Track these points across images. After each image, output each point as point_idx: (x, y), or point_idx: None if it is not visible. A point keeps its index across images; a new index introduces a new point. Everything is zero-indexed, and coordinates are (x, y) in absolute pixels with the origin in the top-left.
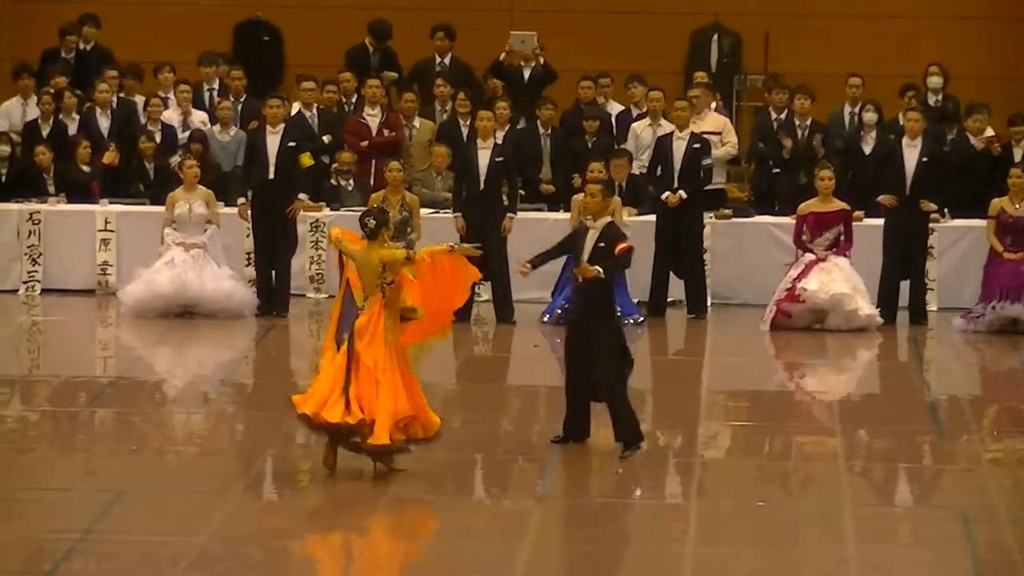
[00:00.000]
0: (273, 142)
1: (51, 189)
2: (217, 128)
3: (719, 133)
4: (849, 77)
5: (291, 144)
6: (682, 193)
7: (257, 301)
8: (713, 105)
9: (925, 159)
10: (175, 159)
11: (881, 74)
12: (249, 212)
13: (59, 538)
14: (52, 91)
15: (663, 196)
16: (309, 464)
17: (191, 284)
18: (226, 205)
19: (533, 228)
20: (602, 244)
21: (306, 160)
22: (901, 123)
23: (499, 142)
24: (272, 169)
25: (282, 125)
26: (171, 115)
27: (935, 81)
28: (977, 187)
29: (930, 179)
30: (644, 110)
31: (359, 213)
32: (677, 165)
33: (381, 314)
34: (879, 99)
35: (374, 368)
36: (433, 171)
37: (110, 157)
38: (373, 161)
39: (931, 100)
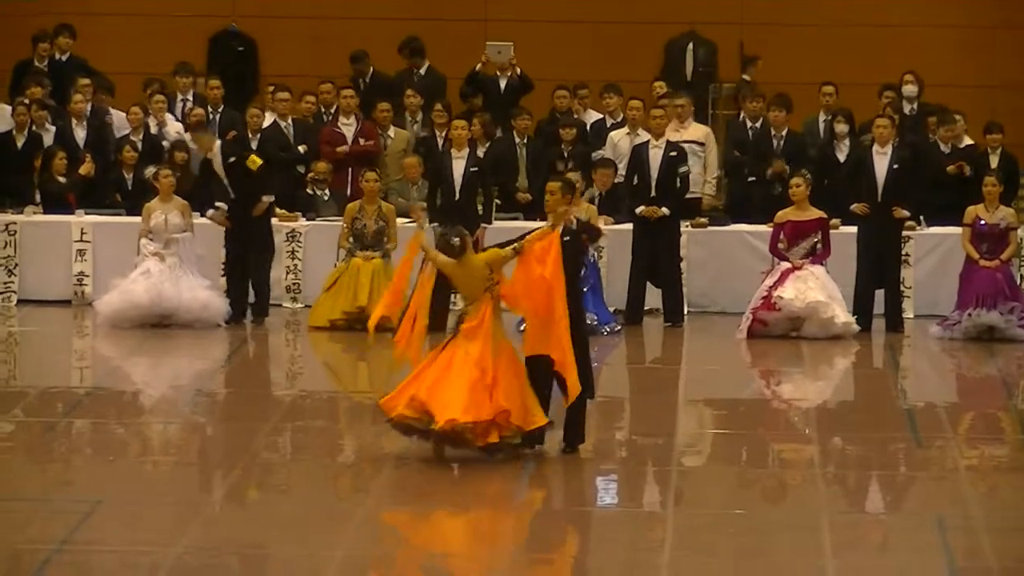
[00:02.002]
0: (217, 166)
1: (37, 198)
2: (189, 136)
3: (703, 144)
4: (822, 86)
5: (231, 160)
6: (665, 210)
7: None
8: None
9: (896, 166)
10: (150, 170)
11: (857, 82)
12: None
13: (36, 548)
14: (27, 102)
15: (638, 210)
16: (286, 474)
17: (167, 294)
18: (201, 215)
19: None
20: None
21: (252, 163)
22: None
23: (480, 155)
24: (229, 188)
25: (217, 144)
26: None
27: (910, 89)
28: (949, 196)
29: (901, 186)
30: (620, 119)
31: (336, 219)
32: (654, 174)
33: (489, 317)
34: (855, 107)
35: (488, 369)
36: (408, 181)
37: (86, 168)
38: (349, 171)
39: (906, 108)
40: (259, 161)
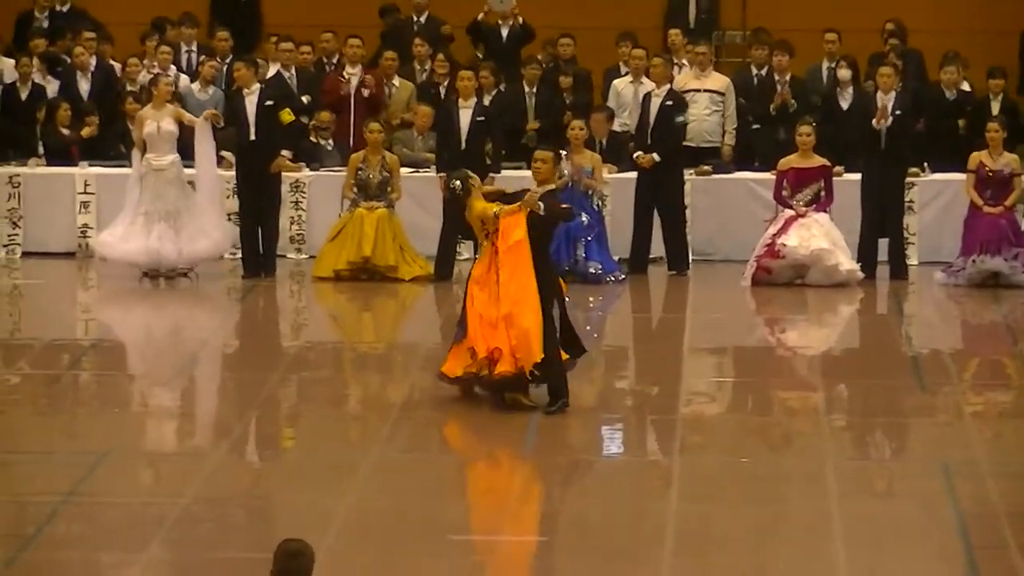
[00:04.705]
0: (251, 103)
1: (40, 150)
2: (196, 86)
3: (723, 94)
4: (825, 32)
5: (268, 103)
6: (655, 156)
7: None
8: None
9: (898, 112)
10: (145, 76)
11: (861, 28)
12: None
13: (42, 501)
14: (30, 55)
15: (634, 156)
16: (292, 425)
17: (167, 256)
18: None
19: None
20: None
21: (286, 116)
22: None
23: (485, 104)
24: (252, 130)
25: (257, 86)
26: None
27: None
28: (951, 141)
29: (904, 133)
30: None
31: (339, 169)
32: (651, 122)
33: (493, 262)
34: (858, 53)
35: (486, 315)
36: (415, 131)
37: (88, 131)
38: (352, 121)
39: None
40: (291, 118)
